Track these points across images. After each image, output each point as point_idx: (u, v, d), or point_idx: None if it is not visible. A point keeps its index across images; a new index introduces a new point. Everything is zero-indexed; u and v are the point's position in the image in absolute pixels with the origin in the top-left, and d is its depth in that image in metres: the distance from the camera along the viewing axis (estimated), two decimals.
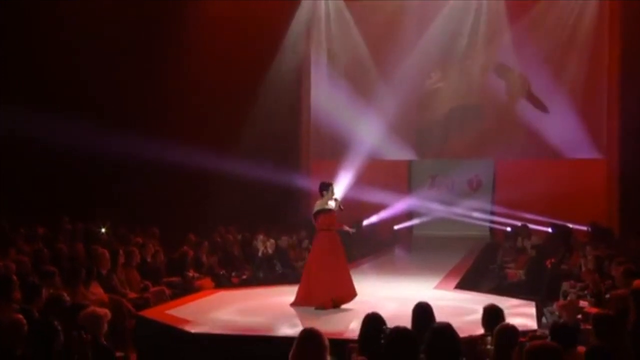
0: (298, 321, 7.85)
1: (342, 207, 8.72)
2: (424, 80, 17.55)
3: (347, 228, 8.92)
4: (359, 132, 17.06)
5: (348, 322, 7.69)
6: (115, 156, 12.34)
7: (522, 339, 4.36)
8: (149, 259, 9.76)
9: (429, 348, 4.27)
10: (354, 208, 15.81)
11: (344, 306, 8.45)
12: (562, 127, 16.61)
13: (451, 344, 4.29)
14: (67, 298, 6.06)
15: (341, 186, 15.77)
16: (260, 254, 11.99)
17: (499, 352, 4.54)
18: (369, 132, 16.94)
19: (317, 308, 8.30)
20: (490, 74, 17.30)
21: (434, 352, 4.23)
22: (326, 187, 8.67)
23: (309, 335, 4.11)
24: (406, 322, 5.06)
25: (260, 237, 12.42)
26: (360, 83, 17.66)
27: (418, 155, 18.03)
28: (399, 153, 17.83)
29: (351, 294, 8.53)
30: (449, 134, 17.66)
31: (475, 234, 17.63)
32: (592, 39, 16.47)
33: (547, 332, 5.56)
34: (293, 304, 8.45)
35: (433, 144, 17.84)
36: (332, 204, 8.67)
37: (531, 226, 14.37)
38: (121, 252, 8.96)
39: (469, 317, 7.54)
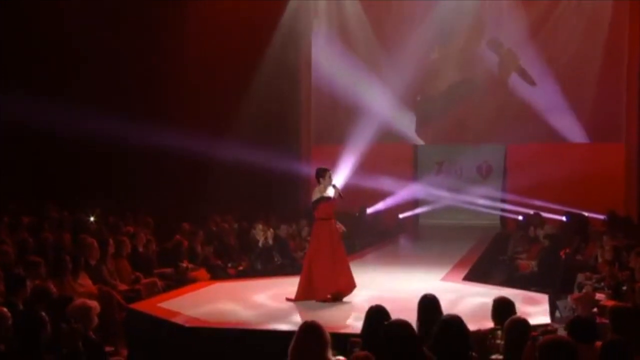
0: (298, 314, 7.84)
1: (341, 194, 8.64)
2: (426, 56, 17.56)
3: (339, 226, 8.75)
4: (361, 115, 17.02)
5: (350, 316, 7.70)
6: (105, 141, 12.31)
7: (534, 333, 4.34)
8: (140, 249, 9.77)
9: (436, 341, 4.26)
10: (356, 195, 15.85)
11: (346, 299, 8.45)
12: (577, 111, 16.58)
13: (460, 337, 4.29)
14: (54, 289, 6.06)
15: (343, 172, 15.75)
16: (260, 244, 11.98)
17: (510, 346, 4.53)
18: (372, 114, 16.89)
19: (318, 301, 8.29)
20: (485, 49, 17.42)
21: (441, 346, 4.22)
22: (322, 174, 8.59)
23: (310, 329, 4.10)
24: (411, 315, 5.05)
25: (260, 226, 12.41)
26: (363, 62, 17.61)
27: (419, 133, 18.02)
28: (404, 133, 17.81)
29: (351, 286, 8.51)
30: (450, 109, 17.66)
31: (485, 223, 17.61)
32: (610, 23, 16.45)
33: (560, 326, 5.57)
34: (295, 299, 8.43)
35: (434, 119, 17.87)
36: (331, 191, 8.60)
37: (544, 214, 14.34)
38: (111, 241, 8.96)
39: (478, 310, 7.53)
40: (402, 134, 17.87)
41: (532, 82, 17.08)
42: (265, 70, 16.41)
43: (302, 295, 8.43)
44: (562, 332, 5.09)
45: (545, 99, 16.72)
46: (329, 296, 8.34)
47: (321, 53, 18.11)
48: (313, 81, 18.35)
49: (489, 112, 17.29)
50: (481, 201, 17.50)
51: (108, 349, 5.96)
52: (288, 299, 8.49)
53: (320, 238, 8.52)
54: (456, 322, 4.40)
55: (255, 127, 15.71)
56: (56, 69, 12.23)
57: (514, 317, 4.74)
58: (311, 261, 8.51)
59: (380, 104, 17.13)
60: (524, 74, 17.16)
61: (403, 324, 4.07)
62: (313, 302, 8.31)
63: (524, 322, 4.65)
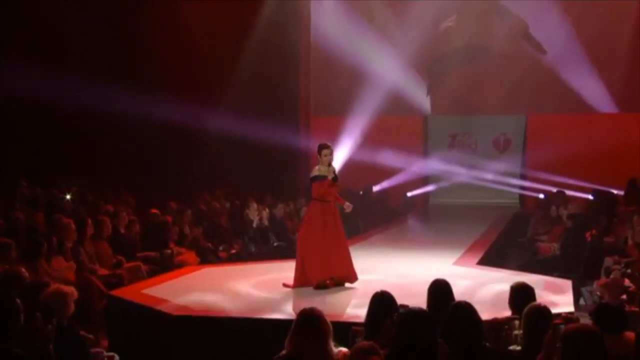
0: (295, 301, 7.85)
1: (336, 175, 8.54)
2: (440, 18, 17.48)
3: (346, 204, 8.63)
4: (367, 84, 16.94)
5: (353, 303, 7.69)
6: (83, 110, 12.25)
7: (556, 322, 4.33)
8: (122, 230, 9.80)
9: (446, 329, 4.26)
10: (361, 172, 15.86)
11: (348, 284, 8.44)
12: (605, 78, 16.49)
13: (470, 325, 4.29)
14: (26, 274, 6.04)
15: (346, 147, 15.73)
16: (254, 225, 12.00)
17: (529, 336, 4.53)
18: (379, 82, 16.80)
19: (316, 288, 8.28)
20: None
21: (452, 334, 4.23)
22: (319, 150, 8.53)
23: (309, 317, 4.09)
24: (420, 302, 5.04)
25: (254, 205, 12.42)
26: (369, 23, 17.48)
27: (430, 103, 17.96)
28: (414, 103, 17.73)
29: (351, 278, 8.48)
30: (463, 74, 17.60)
31: (502, 202, 17.64)
32: None
33: (585, 314, 5.56)
34: (293, 286, 8.43)
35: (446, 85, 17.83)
36: (327, 170, 8.51)
37: (568, 192, 14.34)
38: (89, 222, 8.96)
39: (493, 297, 7.54)
40: (411, 104, 17.81)
41: (542, 51, 17.02)
42: (259, 32, 16.30)
43: (300, 282, 8.42)
44: (587, 321, 5.08)
45: (570, 64, 16.62)
46: (328, 282, 8.33)
47: (322, 14, 17.97)
48: (313, 45, 18.24)
49: (507, 80, 17.23)
50: (498, 178, 17.49)
51: (87, 339, 5.96)
52: (285, 285, 8.49)
53: (311, 220, 8.47)
54: (466, 308, 4.40)
55: (249, 95, 15.65)
56: (34, 33, 12.13)
57: (532, 304, 4.73)
58: (302, 246, 8.49)
59: (388, 71, 17.05)
60: (532, 42, 17.09)
61: (421, 313, 4.07)
62: (312, 289, 8.30)
63: (543, 310, 4.64)
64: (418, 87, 17.82)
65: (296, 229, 12.59)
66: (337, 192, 8.61)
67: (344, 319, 6.71)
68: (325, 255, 8.31)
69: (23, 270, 6.16)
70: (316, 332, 4.05)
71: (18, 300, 4.90)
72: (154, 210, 10.81)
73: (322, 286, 8.27)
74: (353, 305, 7.54)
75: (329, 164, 8.49)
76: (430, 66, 17.92)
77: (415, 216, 17.10)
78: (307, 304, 6.67)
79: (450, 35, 17.70)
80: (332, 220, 8.46)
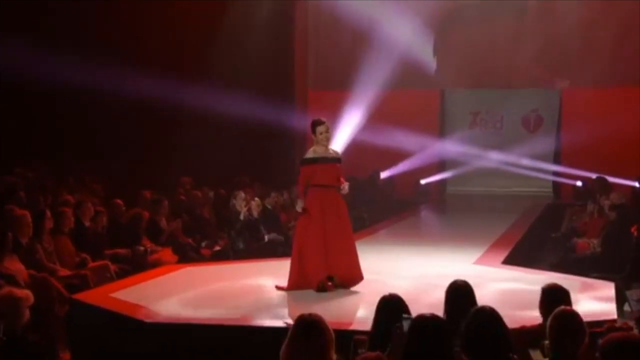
0: (291, 306, 7.90)
1: (338, 157, 8.54)
2: None
3: (343, 185, 8.54)
4: (373, 52, 16.90)
5: (358, 308, 7.73)
6: (42, 83, 12.21)
7: (597, 329, 4.33)
8: (87, 224, 9.80)
9: (467, 339, 4.26)
10: (366, 156, 15.88)
11: (353, 288, 8.46)
12: None
13: (495, 334, 4.30)
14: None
15: (349, 126, 15.71)
16: (242, 217, 12.04)
17: (556, 346, 4.52)
18: (388, 50, 16.76)
19: (317, 290, 8.30)
20: None
21: (473, 344, 4.23)
22: (313, 128, 8.51)
23: (308, 325, 4.09)
24: (436, 308, 5.04)
25: (241, 195, 12.45)
26: None
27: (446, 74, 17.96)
28: (429, 75, 17.72)
29: (355, 277, 8.47)
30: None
31: (533, 191, 17.71)
32: None
33: (631, 322, 5.55)
34: (287, 288, 8.45)
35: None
36: (323, 149, 8.48)
37: (610, 179, 14.33)
38: (48, 213, 8.95)
39: (521, 301, 7.55)
40: (426, 76, 17.80)
41: None
42: None
43: (295, 284, 8.43)
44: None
45: (613, 27, 16.57)
46: (330, 283, 8.34)
47: None
48: (311, 7, 18.20)
49: (538, 47, 17.19)
50: (528, 162, 17.50)
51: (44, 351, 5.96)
52: (278, 288, 8.52)
53: (310, 209, 8.45)
54: (490, 314, 4.41)
55: (237, 66, 15.63)
56: None
57: (559, 308, 4.73)
58: (300, 240, 8.48)
59: (399, 37, 17.00)
60: None
61: (436, 320, 4.08)
62: (311, 291, 8.33)
63: (571, 314, 4.65)
64: (434, 57, 17.80)
65: (291, 222, 12.65)
66: (339, 175, 8.54)
67: (348, 326, 6.73)
68: (325, 251, 8.30)
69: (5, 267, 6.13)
70: (315, 342, 4.05)
71: None
72: (119, 201, 10.78)
73: (322, 288, 8.27)
74: (358, 311, 7.60)
75: (326, 145, 8.46)
76: (438, 23, 17.85)
77: (429, 207, 17.15)
78: (305, 309, 6.70)
79: None
80: (334, 209, 8.45)
